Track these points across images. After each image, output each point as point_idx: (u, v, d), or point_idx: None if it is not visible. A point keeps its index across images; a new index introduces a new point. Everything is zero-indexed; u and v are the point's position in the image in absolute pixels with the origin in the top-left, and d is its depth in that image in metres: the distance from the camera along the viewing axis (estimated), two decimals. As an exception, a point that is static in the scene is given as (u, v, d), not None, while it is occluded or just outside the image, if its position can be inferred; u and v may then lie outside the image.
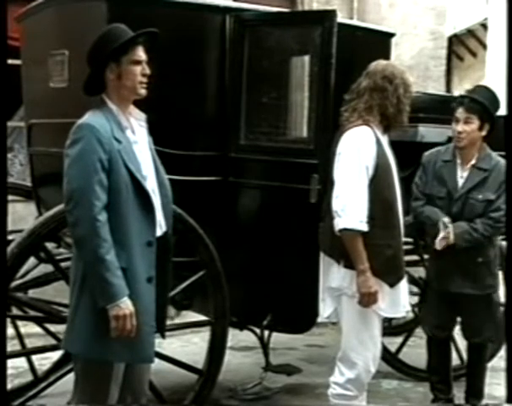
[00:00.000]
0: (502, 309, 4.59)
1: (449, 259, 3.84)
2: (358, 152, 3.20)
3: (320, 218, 3.42)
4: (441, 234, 3.79)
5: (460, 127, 3.82)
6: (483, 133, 3.86)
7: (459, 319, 4.14)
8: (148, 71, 2.80)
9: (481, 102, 3.83)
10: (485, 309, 3.95)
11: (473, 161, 3.89)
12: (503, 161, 3.90)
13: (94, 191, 2.60)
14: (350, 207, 3.15)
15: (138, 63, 2.77)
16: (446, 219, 3.81)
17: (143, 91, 2.80)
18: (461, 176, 3.90)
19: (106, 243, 2.59)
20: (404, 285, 3.34)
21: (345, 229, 3.15)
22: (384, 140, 3.33)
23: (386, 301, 3.25)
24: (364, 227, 3.16)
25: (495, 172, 3.85)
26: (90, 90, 2.82)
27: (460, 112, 3.83)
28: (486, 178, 3.85)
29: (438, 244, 3.81)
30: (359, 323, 3.26)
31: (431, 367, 4.21)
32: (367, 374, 3.32)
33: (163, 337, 3.02)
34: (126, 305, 2.63)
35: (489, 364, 4.41)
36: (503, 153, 3.76)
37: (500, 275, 4.68)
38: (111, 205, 2.65)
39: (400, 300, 3.31)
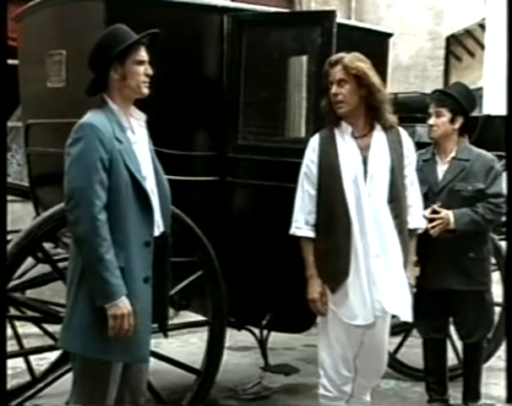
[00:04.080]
0: (497, 308, 4.61)
1: (441, 256, 3.83)
2: (305, 159, 3.32)
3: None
4: (431, 222, 3.73)
5: (431, 120, 3.92)
6: (456, 126, 3.91)
7: (452, 320, 4.15)
8: (150, 71, 2.83)
9: (451, 96, 3.90)
10: (477, 308, 3.95)
11: (452, 154, 3.93)
12: (485, 152, 3.95)
13: (94, 190, 2.61)
14: (294, 213, 3.30)
15: (142, 63, 2.80)
16: (435, 205, 3.80)
17: (146, 91, 2.82)
18: (441, 170, 3.93)
19: (105, 242, 2.60)
20: (361, 293, 3.18)
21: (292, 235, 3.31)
22: (348, 139, 3.26)
23: (343, 307, 3.22)
24: (302, 233, 3.27)
25: (479, 161, 3.88)
26: (91, 91, 2.83)
27: (432, 107, 3.93)
28: (468, 168, 3.86)
29: (433, 230, 3.75)
30: (325, 326, 3.32)
31: (427, 368, 4.22)
32: (339, 376, 3.30)
33: (165, 336, 3.03)
34: (124, 305, 2.64)
35: (486, 364, 4.42)
36: (502, 153, 3.77)
37: (498, 275, 4.70)
38: (111, 205, 2.66)
39: (352, 307, 3.20)
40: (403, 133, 3.38)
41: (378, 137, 3.29)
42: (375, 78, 3.24)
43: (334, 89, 3.23)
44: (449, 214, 3.78)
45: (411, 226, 3.36)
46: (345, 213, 3.18)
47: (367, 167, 3.22)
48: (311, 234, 3.28)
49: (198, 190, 3.85)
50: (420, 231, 3.46)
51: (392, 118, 3.31)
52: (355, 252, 3.18)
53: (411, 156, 3.39)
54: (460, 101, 3.89)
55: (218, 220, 3.88)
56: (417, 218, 3.40)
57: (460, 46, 15.83)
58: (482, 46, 14.18)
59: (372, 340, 3.30)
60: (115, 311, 2.62)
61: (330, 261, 3.22)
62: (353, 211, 3.19)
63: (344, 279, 3.19)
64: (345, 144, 3.26)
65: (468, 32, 15.30)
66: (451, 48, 15.39)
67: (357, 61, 3.22)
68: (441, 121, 3.89)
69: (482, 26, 14.00)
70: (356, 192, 3.19)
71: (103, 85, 2.79)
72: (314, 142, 3.32)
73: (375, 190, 3.21)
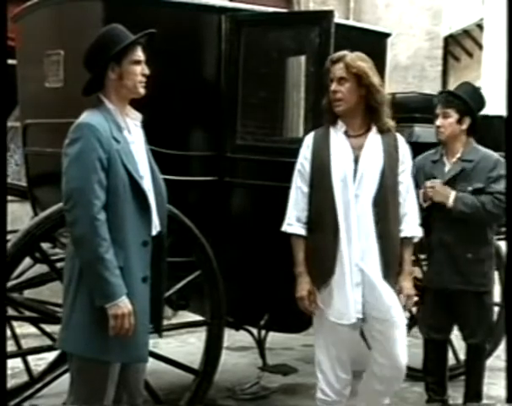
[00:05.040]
0: (497, 308, 4.60)
1: (440, 256, 3.86)
2: (299, 156, 3.33)
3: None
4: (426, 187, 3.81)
5: (438, 122, 3.91)
6: (463, 126, 3.90)
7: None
8: (147, 71, 2.83)
9: (458, 96, 3.89)
10: (477, 309, 3.94)
11: (458, 155, 3.93)
12: (491, 152, 3.93)
13: (93, 190, 2.61)
14: (287, 210, 3.31)
15: (138, 62, 2.80)
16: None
17: (142, 90, 2.83)
18: (447, 171, 3.93)
19: (105, 242, 2.60)
20: (348, 292, 3.16)
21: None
22: (342, 138, 3.25)
23: (330, 306, 3.22)
24: (293, 230, 3.28)
25: (482, 162, 3.87)
26: (87, 90, 2.83)
27: (439, 108, 3.92)
28: (470, 169, 3.86)
29: (421, 196, 3.81)
30: (320, 327, 3.32)
31: (427, 368, 4.21)
32: (337, 378, 3.30)
33: (160, 336, 3.02)
34: (124, 304, 2.64)
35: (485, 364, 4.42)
36: (502, 153, 3.77)
37: (496, 275, 4.70)
38: (109, 205, 2.66)
39: (338, 307, 3.19)
40: (400, 138, 3.35)
41: (373, 138, 3.27)
42: (375, 78, 3.23)
43: (333, 86, 3.23)
44: (450, 191, 3.80)
45: (406, 234, 3.30)
46: (332, 212, 3.18)
47: (358, 167, 3.20)
48: (302, 232, 3.28)
49: (197, 190, 3.85)
50: (416, 240, 3.40)
51: (390, 123, 3.29)
52: (340, 252, 3.18)
53: (406, 162, 3.34)
54: (468, 101, 3.88)
55: (216, 220, 3.88)
56: (413, 227, 3.33)
57: (459, 46, 15.87)
58: (480, 47, 14.20)
59: (383, 339, 3.23)
60: (115, 311, 2.62)
61: (317, 259, 3.23)
62: (341, 211, 3.18)
63: (329, 277, 3.19)
64: (339, 142, 3.25)
65: (466, 32, 15.33)
66: (449, 48, 15.43)
67: (359, 60, 3.22)
68: (448, 122, 3.88)
69: (480, 26, 14.03)
70: (344, 191, 3.18)
71: (99, 84, 2.79)
72: (309, 140, 3.33)
73: (363, 191, 3.19)
